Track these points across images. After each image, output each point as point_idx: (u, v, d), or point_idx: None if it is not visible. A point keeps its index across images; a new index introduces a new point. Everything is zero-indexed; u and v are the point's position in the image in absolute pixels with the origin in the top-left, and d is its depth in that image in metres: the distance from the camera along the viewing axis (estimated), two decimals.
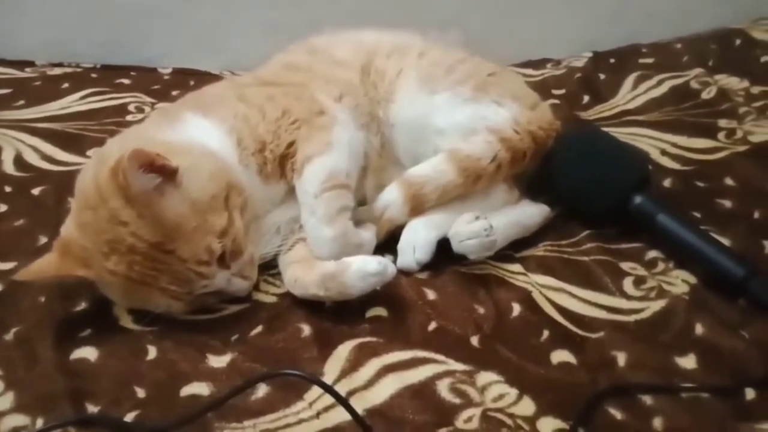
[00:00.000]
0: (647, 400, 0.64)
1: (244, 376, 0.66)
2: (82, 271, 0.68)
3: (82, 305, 0.75)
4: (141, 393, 0.65)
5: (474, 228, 0.76)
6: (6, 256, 0.81)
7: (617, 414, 0.62)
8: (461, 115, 0.85)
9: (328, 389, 0.61)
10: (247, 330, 0.73)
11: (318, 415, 0.63)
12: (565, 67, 1.25)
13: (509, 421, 0.62)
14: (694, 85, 1.11)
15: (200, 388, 0.65)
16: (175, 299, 0.70)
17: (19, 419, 0.62)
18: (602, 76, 1.20)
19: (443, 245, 0.81)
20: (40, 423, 0.61)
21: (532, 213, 0.85)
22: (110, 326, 0.73)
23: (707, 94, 1.09)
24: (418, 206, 0.81)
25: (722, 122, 1.02)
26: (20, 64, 1.26)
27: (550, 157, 0.86)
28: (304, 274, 0.75)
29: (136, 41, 1.32)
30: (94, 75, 1.25)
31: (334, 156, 0.80)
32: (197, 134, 0.77)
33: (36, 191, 0.94)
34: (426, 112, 0.85)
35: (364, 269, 0.72)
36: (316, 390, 0.65)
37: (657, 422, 0.62)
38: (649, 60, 1.21)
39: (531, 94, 0.94)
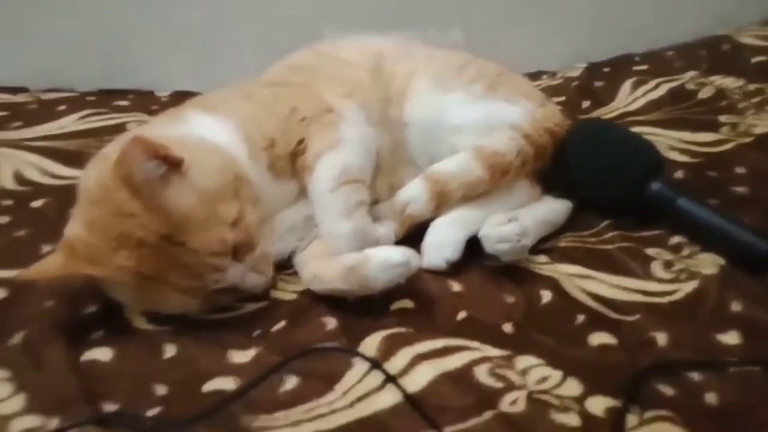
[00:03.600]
0: (694, 376, 0.61)
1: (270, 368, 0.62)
2: (89, 269, 0.64)
3: (91, 309, 0.71)
4: (161, 390, 0.61)
5: (506, 232, 0.74)
6: (7, 264, 0.76)
7: (667, 390, 0.60)
8: (476, 112, 0.84)
9: (375, 364, 0.57)
10: (268, 326, 0.69)
11: (352, 404, 0.59)
12: (561, 77, 1.27)
13: (556, 402, 0.59)
14: (690, 86, 1.13)
15: (224, 383, 0.61)
16: (188, 296, 0.67)
17: (33, 420, 0.57)
18: (599, 84, 1.22)
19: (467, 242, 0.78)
20: (55, 424, 0.56)
21: (558, 209, 0.84)
22: (123, 328, 0.69)
23: (704, 94, 1.11)
24: (442, 203, 0.79)
25: (723, 118, 1.03)
26: (14, 90, 1.24)
27: (562, 150, 0.86)
28: (324, 268, 0.72)
29: (133, 67, 1.31)
30: (91, 98, 1.23)
31: (347, 151, 0.78)
32: (202, 130, 0.75)
33: (37, 203, 0.90)
34: (439, 110, 0.85)
35: (387, 260, 0.69)
36: (348, 380, 0.61)
37: (709, 397, 0.59)
38: (643, 67, 1.24)
39: (539, 94, 0.94)
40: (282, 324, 0.69)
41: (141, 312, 0.70)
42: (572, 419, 0.57)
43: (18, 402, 0.59)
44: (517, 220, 0.75)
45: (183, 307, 0.68)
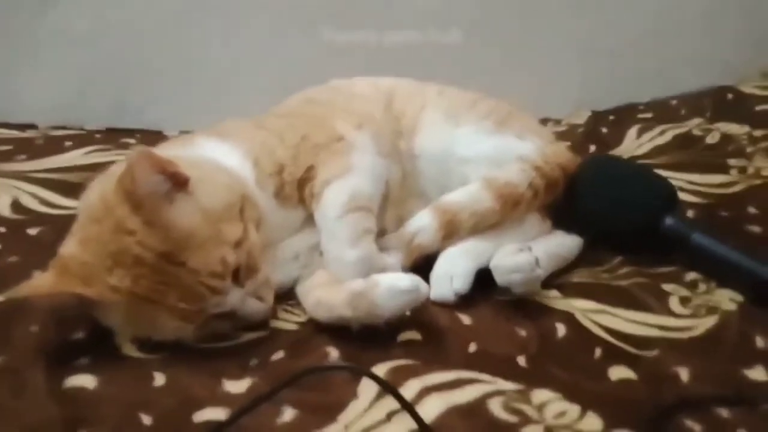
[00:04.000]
0: (723, 413, 0.57)
1: (269, 401, 0.57)
2: (80, 288, 0.61)
3: (79, 335, 0.67)
4: (147, 420, 0.56)
5: (519, 261, 0.71)
6: None
7: (695, 426, 0.55)
8: (487, 145, 0.84)
9: (386, 387, 0.53)
10: (267, 355, 0.65)
11: None
12: (566, 124, 1.28)
13: None
14: (696, 132, 1.13)
15: (216, 413, 0.56)
16: (184, 320, 0.63)
17: None
18: (604, 130, 1.22)
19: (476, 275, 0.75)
20: None
21: (569, 243, 0.82)
22: (110, 354, 0.65)
23: (711, 139, 1.10)
24: (451, 233, 0.77)
25: (732, 161, 1.02)
26: (22, 127, 1.24)
27: (573, 186, 0.84)
28: (329, 295, 0.69)
29: (140, 105, 1.33)
30: (98, 135, 1.23)
31: (356, 178, 0.77)
32: (211, 153, 0.74)
33: (32, 231, 0.88)
34: (451, 142, 0.84)
35: (395, 286, 0.66)
36: (351, 411, 0.57)
37: None
38: (648, 115, 1.24)
39: (548, 132, 0.95)
40: (281, 354, 0.65)
41: (132, 339, 0.66)
42: None
43: None
44: (529, 250, 0.72)
45: (178, 333, 0.64)
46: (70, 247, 0.64)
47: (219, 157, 0.73)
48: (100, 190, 0.65)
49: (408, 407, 0.51)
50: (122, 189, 0.61)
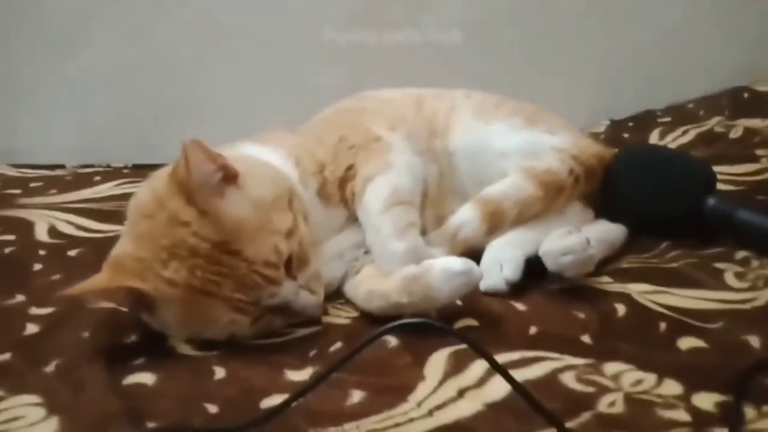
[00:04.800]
0: None
1: (331, 385, 0.56)
2: (137, 282, 0.60)
3: (132, 338, 0.66)
4: (213, 409, 0.54)
5: (569, 243, 0.70)
6: (43, 302, 0.73)
7: None
8: (520, 139, 0.84)
9: (473, 345, 0.52)
10: (325, 347, 0.64)
11: (431, 413, 0.52)
12: (586, 133, 1.29)
13: (659, 401, 0.52)
14: (718, 129, 1.14)
15: (284, 399, 0.54)
16: (239, 312, 0.62)
17: None
18: (626, 135, 1.24)
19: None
20: None
21: (614, 231, 0.81)
22: (166, 354, 0.63)
23: (735, 134, 1.12)
24: (496, 225, 0.77)
25: (760, 151, 1.03)
26: (51, 167, 1.26)
27: (611, 176, 0.84)
28: (382, 284, 0.68)
29: (163, 142, 1.34)
30: (126, 171, 1.24)
31: (396, 174, 0.77)
32: (254, 154, 0.75)
33: (72, 253, 0.87)
34: (484, 138, 0.85)
35: (449, 268, 0.65)
36: (420, 391, 0.55)
37: None
38: (667, 119, 1.26)
39: (575, 129, 0.95)
40: (339, 344, 0.64)
41: (185, 340, 0.65)
42: (681, 415, 0.50)
43: (50, 425, 0.53)
44: (579, 232, 0.72)
45: (232, 328, 0.63)
46: (122, 246, 0.64)
47: (263, 157, 0.74)
48: (150, 187, 0.66)
49: (499, 369, 0.49)
50: (176, 179, 0.62)
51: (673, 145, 1.15)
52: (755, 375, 0.55)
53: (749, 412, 0.50)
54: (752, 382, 0.54)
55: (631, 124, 1.28)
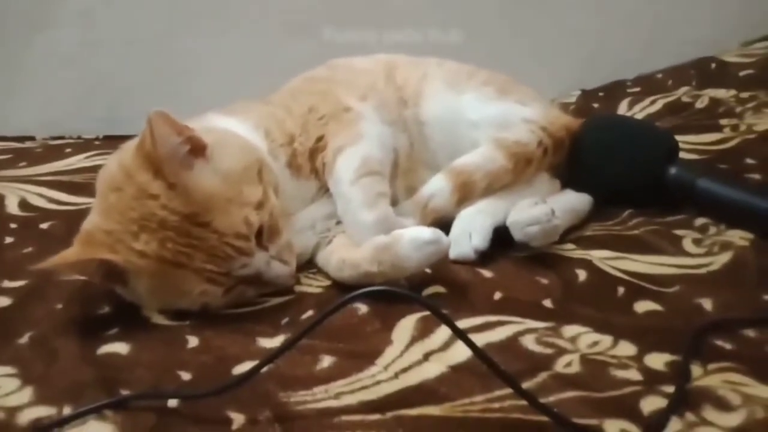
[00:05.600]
0: (750, 333, 0.58)
1: (303, 351, 0.58)
2: (107, 255, 0.61)
3: (106, 309, 0.67)
4: (186, 376, 0.56)
5: (535, 213, 0.72)
6: (15, 275, 0.73)
7: (726, 345, 0.56)
8: (492, 109, 0.86)
9: (437, 312, 0.53)
10: (297, 315, 0.65)
11: (396, 375, 0.55)
12: (558, 104, 1.30)
13: (613, 361, 0.55)
14: (685, 99, 1.16)
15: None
16: (211, 283, 0.63)
17: (41, 410, 0.51)
18: (596, 105, 1.26)
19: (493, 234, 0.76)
20: (67, 412, 0.51)
21: (580, 199, 0.83)
22: (140, 324, 0.64)
23: (700, 104, 1.14)
24: (466, 195, 0.78)
25: (723, 121, 1.05)
26: (20, 139, 1.24)
27: (577, 146, 0.86)
28: (353, 254, 0.70)
29: (133, 116, 1.32)
30: (97, 143, 1.23)
31: (366, 145, 0.78)
32: (223, 125, 0.75)
33: (44, 225, 0.87)
34: (456, 107, 0.86)
35: (418, 237, 0.67)
36: (388, 355, 0.57)
37: None
38: (636, 89, 1.28)
39: (545, 99, 0.97)
40: (310, 312, 0.66)
41: (158, 311, 0.66)
42: (633, 374, 0.53)
43: (24, 395, 0.54)
44: (545, 203, 0.74)
45: (204, 298, 0.64)
46: (92, 219, 0.64)
47: (230, 128, 0.74)
48: (117, 160, 0.66)
49: (460, 334, 0.51)
50: (142, 152, 0.62)
51: (641, 115, 1.17)
52: (704, 336, 0.58)
53: (696, 370, 0.53)
54: (701, 342, 0.57)
55: (601, 94, 1.30)
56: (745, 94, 1.12)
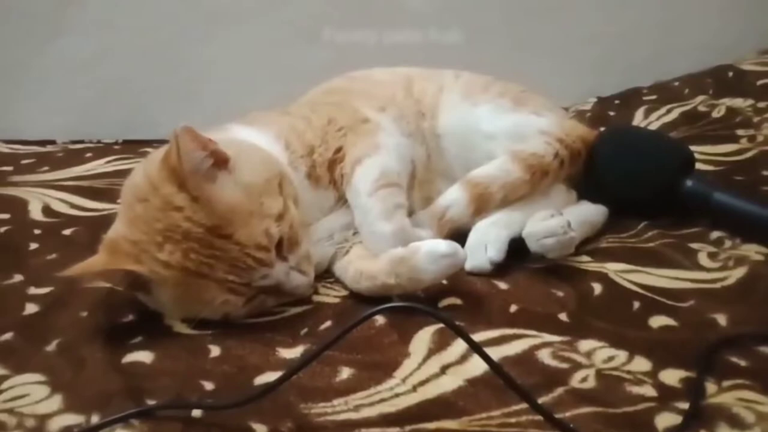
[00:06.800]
0: (764, 349, 0.59)
1: (322, 363, 0.59)
2: (133, 265, 0.63)
3: (129, 317, 0.69)
4: (209, 386, 0.57)
5: (551, 225, 0.73)
6: (41, 282, 0.75)
7: (740, 362, 0.57)
8: (507, 121, 0.87)
9: (452, 326, 0.54)
10: (315, 325, 0.67)
11: (414, 388, 0.56)
12: (574, 111, 1.31)
13: (628, 377, 0.56)
14: (702, 108, 1.16)
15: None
16: (233, 293, 0.65)
17: (70, 419, 0.53)
18: (612, 113, 1.26)
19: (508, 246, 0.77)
20: (95, 420, 0.52)
21: (595, 211, 0.84)
22: (163, 333, 0.66)
23: (717, 113, 1.13)
24: (482, 206, 0.79)
25: (740, 131, 1.05)
26: (41, 143, 1.26)
27: (593, 157, 0.87)
28: (370, 265, 0.71)
29: (150, 119, 1.35)
30: (116, 147, 1.26)
31: (384, 156, 0.79)
32: (244, 137, 0.76)
33: (67, 232, 0.89)
34: (472, 120, 0.87)
35: (435, 250, 0.68)
36: (406, 368, 0.58)
37: None
38: (652, 97, 1.28)
39: (560, 110, 0.97)
40: (328, 323, 0.67)
41: (180, 320, 0.68)
42: (648, 390, 0.54)
43: (54, 403, 0.55)
44: (561, 215, 0.74)
45: (226, 308, 0.65)
46: (117, 229, 0.66)
47: (251, 139, 0.76)
48: (143, 171, 0.67)
49: (476, 348, 0.52)
50: (167, 166, 0.63)
51: (657, 124, 1.17)
52: (719, 352, 0.59)
53: (710, 387, 0.54)
54: (715, 358, 0.58)
55: (617, 101, 1.30)
56: (762, 104, 1.12)
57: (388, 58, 1.31)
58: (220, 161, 0.66)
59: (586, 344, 0.61)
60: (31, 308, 0.71)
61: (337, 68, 0.99)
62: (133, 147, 1.25)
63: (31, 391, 0.57)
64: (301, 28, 1.39)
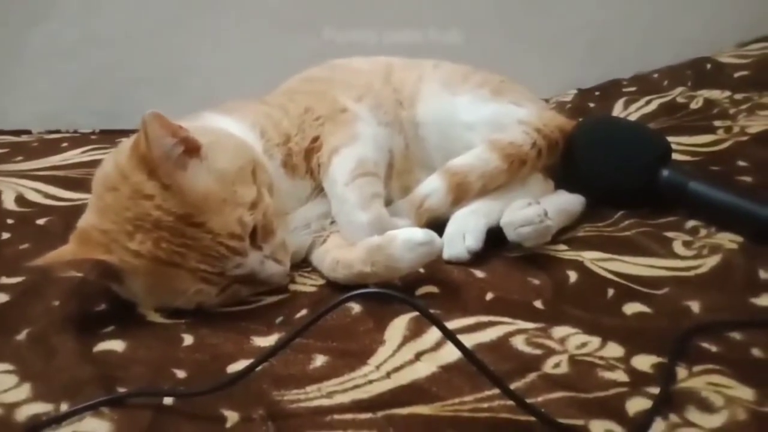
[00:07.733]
0: (736, 336, 0.60)
1: (297, 350, 0.59)
2: (102, 255, 0.62)
3: (102, 306, 0.68)
4: (181, 374, 0.57)
5: (528, 214, 0.73)
6: (12, 272, 0.74)
7: (711, 347, 0.58)
8: (487, 111, 0.87)
9: (425, 313, 0.54)
10: (291, 314, 0.66)
11: (388, 375, 0.56)
12: (555, 102, 1.32)
13: (601, 362, 0.56)
14: (680, 99, 1.17)
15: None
16: (205, 282, 0.64)
17: (39, 407, 0.52)
18: (592, 105, 1.26)
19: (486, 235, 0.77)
20: (64, 409, 0.52)
21: (573, 200, 0.84)
22: (136, 322, 0.65)
23: (695, 105, 1.14)
24: (461, 195, 0.79)
25: (717, 122, 1.06)
26: (16, 132, 1.24)
27: (571, 147, 0.87)
28: (347, 254, 0.71)
29: (131, 111, 1.33)
30: (93, 137, 1.24)
31: (361, 145, 0.78)
32: (218, 125, 0.75)
33: (41, 221, 0.88)
34: (451, 109, 0.87)
35: (411, 239, 0.68)
36: (380, 354, 0.58)
37: (756, 352, 0.57)
38: (632, 88, 1.28)
39: (539, 100, 0.97)
40: (304, 311, 0.67)
41: (153, 309, 0.67)
42: (620, 375, 0.55)
43: (22, 392, 0.55)
44: (538, 204, 0.75)
45: (199, 297, 0.65)
46: (87, 219, 0.65)
47: (226, 127, 0.75)
48: (113, 160, 0.66)
49: (447, 333, 0.52)
50: (137, 154, 0.62)
51: (636, 115, 1.17)
52: (691, 338, 0.59)
53: (681, 372, 0.54)
54: (688, 344, 0.58)
55: (597, 93, 1.31)
56: (739, 96, 1.13)
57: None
58: (192, 148, 0.65)
59: (560, 331, 0.61)
60: (1, 297, 0.70)
61: None
62: (110, 137, 1.23)
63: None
64: (289, 18, 1.38)
